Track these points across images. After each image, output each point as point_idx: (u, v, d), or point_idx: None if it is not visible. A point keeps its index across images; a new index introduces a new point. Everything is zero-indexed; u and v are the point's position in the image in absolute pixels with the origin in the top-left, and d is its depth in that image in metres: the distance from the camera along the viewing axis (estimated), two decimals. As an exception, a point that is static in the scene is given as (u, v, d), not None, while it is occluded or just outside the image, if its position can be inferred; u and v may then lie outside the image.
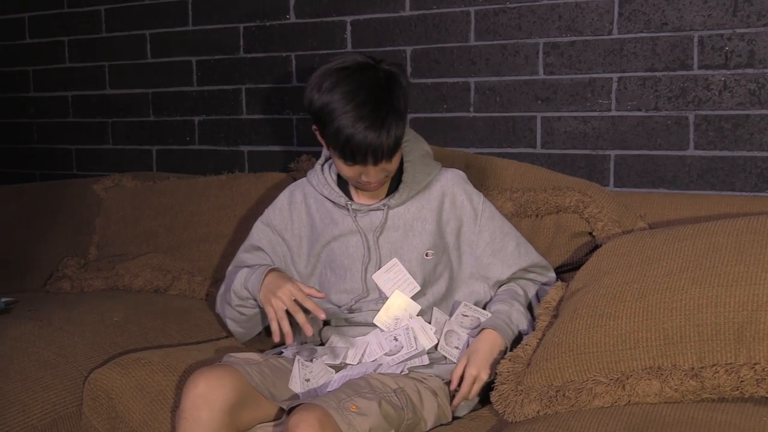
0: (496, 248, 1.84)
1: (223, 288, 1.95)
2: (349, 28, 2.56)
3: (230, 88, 2.80)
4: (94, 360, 1.91)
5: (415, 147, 1.86)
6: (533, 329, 1.76)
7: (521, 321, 1.77)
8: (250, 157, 2.80)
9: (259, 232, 1.95)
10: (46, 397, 1.78)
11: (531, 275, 1.88)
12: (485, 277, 1.85)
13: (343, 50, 2.56)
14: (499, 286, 1.86)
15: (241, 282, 1.82)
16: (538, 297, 1.86)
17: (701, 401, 1.48)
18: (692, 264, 1.57)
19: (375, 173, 1.72)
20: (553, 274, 1.91)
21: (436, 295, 1.82)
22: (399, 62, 1.85)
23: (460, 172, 1.90)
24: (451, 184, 1.86)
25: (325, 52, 2.60)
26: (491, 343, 1.69)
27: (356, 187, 1.82)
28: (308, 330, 1.70)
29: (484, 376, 1.66)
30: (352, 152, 1.66)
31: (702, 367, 1.48)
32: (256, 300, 1.80)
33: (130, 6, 2.95)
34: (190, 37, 2.85)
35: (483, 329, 1.72)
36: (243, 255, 1.96)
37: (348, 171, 1.73)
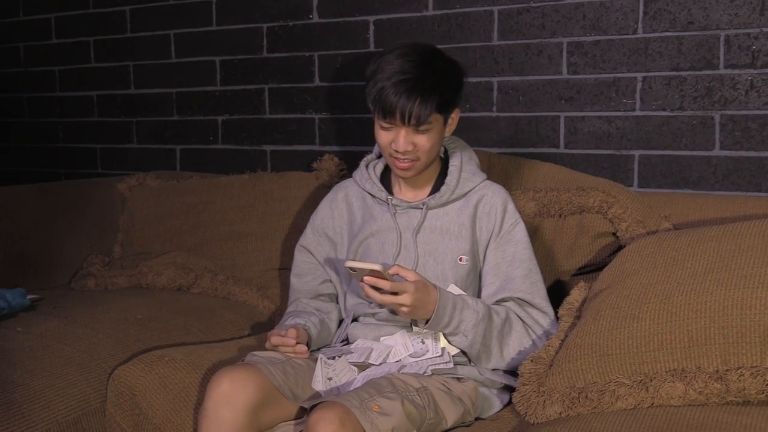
0: (502, 270, 1.78)
1: None
2: (372, 27, 2.56)
3: (253, 88, 2.81)
4: (118, 357, 1.93)
5: (463, 155, 1.88)
6: (476, 345, 1.69)
7: (468, 323, 1.67)
8: (272, 157, 2.81)
9: (306, 237, 1.99)
10: (70, 394, 1.80)
11: (527, 309, 1.76)
12: (482, 296, 1.81)
13: (366, 50, 2.56)
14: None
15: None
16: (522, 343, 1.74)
17: (726, 404, 1.47)
18: (718, 265, 1.55)
19: (404, 142, 1.72)
20: (553, 329, 1.75)
21: None
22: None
23: (505, 190, 1.87)
24: (492, 194, 1.84)
25: (348, 51, 2.61)
26: (428, 300, 1.63)
27: (394, 170, 1.82)
28: (303, 354, 1.72)
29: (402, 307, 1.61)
30: (382, 105, 1.70)
31: (727, 370, 1.46)
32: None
33: (155, 6, 2.97)
34: (214, 37, 2.86)
35: (439, 291, 1.65)
36: (292, 279, 2.00)
37: (383, 136, 1.76)
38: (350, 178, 1.98)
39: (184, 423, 1.74)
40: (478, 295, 1.82)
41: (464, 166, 1.86)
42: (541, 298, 1.79)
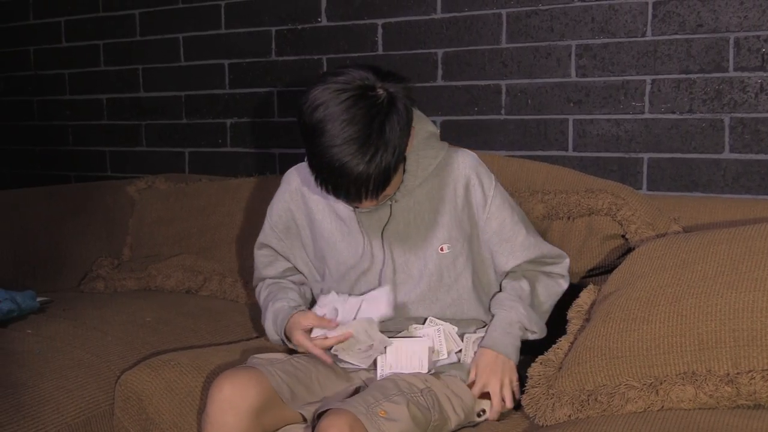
0: (504, 237, 1.76)
1: (261, 299, 1.91)
2: (380, 30, 2.56)
3: (262, 91, 2.82)
4: (127, 359, 1.93)
5: (418, 129, 1.69)
6: (542, 322, 1.78)
7: (523, 320, 1.73)
8: (281, 160, 2.81)
9: (265, 233, 1.92)
10: (79, 396, 1.80)
11: (543, 267, 1.82)
12: (494, 265, 1.81)
13: (374, 53, 2.56)
14: (506, 276, 1.81)
15: (271, 331, 1.80)
16: (549, 291, 1.83)
17: (736, 408, 1.46)
18: (728, 268, 1.54)
19: (369, 204, 1.62)
20: (566, 262, 1.85)
21: (461, 291, 1.75)
22: (406, 77, 1.63)
23: (472, 153, 1.77)
24: (463, 166, 1.73)
25: (356, 54, 2.61)
26: (492, 357, 1.68)
27: None
28: (326, 359, 1.68)
29: (508, 380, 1.67)
30: (326, 189, 1.59)
31: (737, 373, 1.45)
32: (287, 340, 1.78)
33: (164, 10, 2.98)
34: (223, 40, 2.87)
35: (481, 348, 1.71)
36: (255, 274, 1.94)
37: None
38: (302, 163, 1.76)
39: (190, 427, 1.74)
40: (477, 272, 1.78)
41: (421, 143, 1.70)
42: (544, 245, 1.83)
